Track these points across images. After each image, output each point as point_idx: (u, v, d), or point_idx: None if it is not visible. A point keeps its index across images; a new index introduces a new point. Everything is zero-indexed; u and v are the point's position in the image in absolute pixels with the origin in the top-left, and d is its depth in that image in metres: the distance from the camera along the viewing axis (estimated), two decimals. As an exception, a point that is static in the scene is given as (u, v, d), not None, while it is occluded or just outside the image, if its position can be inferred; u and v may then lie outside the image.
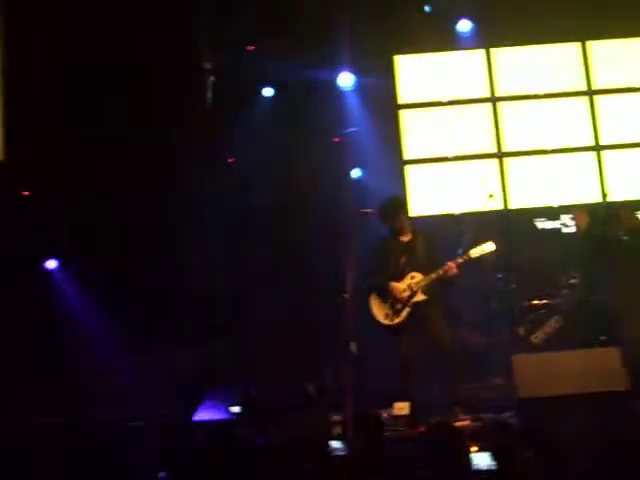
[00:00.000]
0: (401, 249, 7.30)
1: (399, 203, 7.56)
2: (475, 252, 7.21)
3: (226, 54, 9.29)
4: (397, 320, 7.14)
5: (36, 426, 6.84)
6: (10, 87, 8.80)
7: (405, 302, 7.14)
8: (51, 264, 9.29)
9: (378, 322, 7.20)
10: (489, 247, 7.28)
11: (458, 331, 8.27)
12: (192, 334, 8.38)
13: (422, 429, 6.17)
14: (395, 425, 6.69)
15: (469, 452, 3.33)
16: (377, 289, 7.23)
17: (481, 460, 3.22)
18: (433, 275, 7.13)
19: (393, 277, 7.21)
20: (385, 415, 6.78)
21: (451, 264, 7.11)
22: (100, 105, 8.95)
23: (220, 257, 8.79)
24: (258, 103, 9.50)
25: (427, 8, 9.44)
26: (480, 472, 3.13)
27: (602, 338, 7.77)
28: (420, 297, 7.14)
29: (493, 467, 3.17)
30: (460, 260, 7.16)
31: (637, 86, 9.54)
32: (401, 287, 7.16)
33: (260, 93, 9.56)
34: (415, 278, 7.17)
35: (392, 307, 7.17)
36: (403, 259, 7.23)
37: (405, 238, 7.36)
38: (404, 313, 7.14)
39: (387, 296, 7.19)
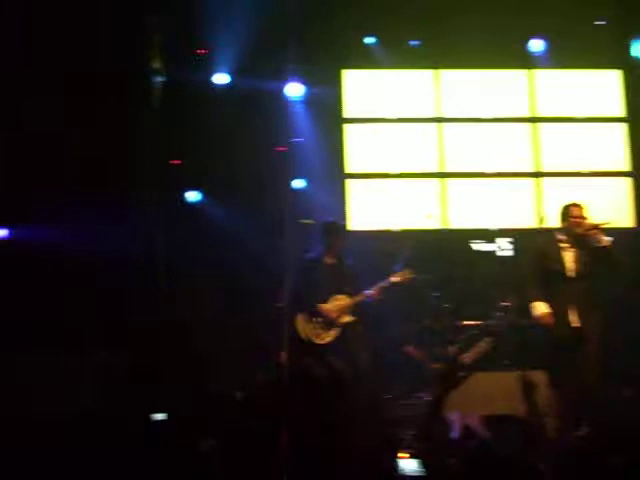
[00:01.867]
0: (327, 271, 7.59)
1: (340, 226, 7.91)
2: (395, 278, 7.62)
3: (175, 56, 9.19)
4: (327, 339, 7.45)
5: None
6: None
7: (333, 322, 7.45)
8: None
9: (302, 341, 7.40)
10: (408, 274, 7.67)
11: (403, 346, 8.44)
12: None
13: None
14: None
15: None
16: (305, 309, 7.44)
17: (407, 465, 3.27)
18: (357, 298, 7.53)
19: (320, 298, 7.49)
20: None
21: (374, 290, 7.56)
22: (34, 106, 8.73)
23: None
24: (205, 106, 9.42)
25: (370, 40, 9.49)
26: (405, 477, 3.18)
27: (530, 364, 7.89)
28: (347, 318, 7.51)
29: (420, 473, 3.21)
30: (383, 285, 7.58)
31: (578, 116, 9.74)
32: (329, 308, 7.45)
33: (209, 96, 9.47)
34: (340, 300, 7.51)
35: (322, 327, 7.44)
36: (330, 281, 7.53)
37: (330, 260, 7.64)
38: (334, 333, 7.46)
39: (315, 316, 7.45)
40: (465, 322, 8.54)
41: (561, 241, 7.23)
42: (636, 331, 8.17)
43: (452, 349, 8.29)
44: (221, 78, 9.39)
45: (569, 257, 7.16)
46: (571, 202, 7.34)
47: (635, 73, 9.71)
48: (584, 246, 7.13)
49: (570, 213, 7.23)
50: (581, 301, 7.03)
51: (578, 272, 7.11)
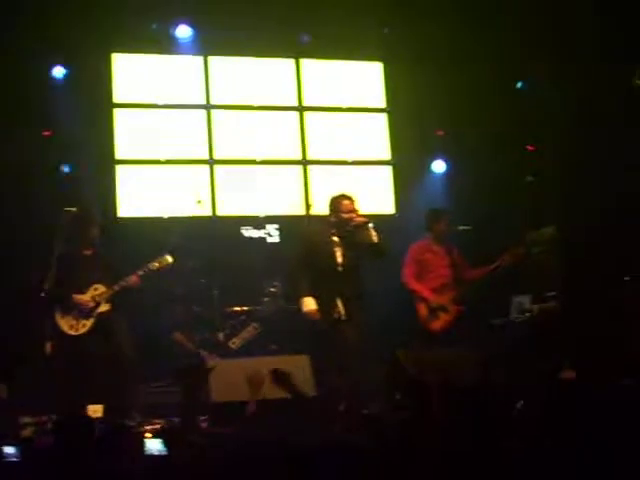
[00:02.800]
0: (84, 262, 7.42)
1: (90, 216, 7.64)
2: (154, 265, 7.43)
3: None
4: (82, 330, 7.26)
5: None
6: None
7: (89, 313, 7.27)
8: None
9: (62, 333, 7.23)
10: (167, 260, 7.49)
11: (172, 334, 8.45)
12: None
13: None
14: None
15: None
16: (59, 301, 7.28)
17: (153, 445, 3.34)
18: (116, 287, 7.33)
19: (76, 289, 7.30)
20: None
21: (133, 277, 7.33)
22: None
23: None
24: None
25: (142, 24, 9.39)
26: (152, 457, 3.26)
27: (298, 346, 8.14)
28: (104, 307, 7.33)
29: (164, 452, 3.30)
30: (141, 272, 7.37)
31: (343, 106, 10.09)
32: (85, 298, 7.28)
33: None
34: (98, 290, 7.33)
35: (76, 318, 7.27)
36: (86, 271, 7.37)
37: (88, 252, 7.49)
38: (89, 323, 7.28)
39: (70, 308, 7.26)
40: (233, 308, 8.69)
41: (332, 234, 7.27)
42: (391, 315, 8.55)
43: (220, 335, 8.44)
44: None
45: (339, 251, 7.22)
46: (341, 194, 7.36)
47: (394, 66, 10.16)
48: (353, 240, 7.21)
49: (341, 207, 7.24)
50: (348, 293, 7.15)
51: (346, 265, 7.21)
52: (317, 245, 7.28)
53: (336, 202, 7.32)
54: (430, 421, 3.74)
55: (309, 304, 7.13)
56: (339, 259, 7.22)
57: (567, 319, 7.85)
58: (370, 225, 7.16)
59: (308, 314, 7.15)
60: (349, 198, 7.30)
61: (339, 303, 7.14)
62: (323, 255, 7.21)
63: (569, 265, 8.43)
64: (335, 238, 7.26)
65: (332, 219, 7.31)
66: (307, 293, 7.15)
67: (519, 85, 10.11)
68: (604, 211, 8.60)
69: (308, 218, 9.40)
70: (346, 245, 7.24)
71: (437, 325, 7.95)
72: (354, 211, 7.24)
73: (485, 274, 8.08)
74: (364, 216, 7.24)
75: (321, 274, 7.18)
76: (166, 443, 3.34)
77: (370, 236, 7.13)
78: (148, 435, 3.34)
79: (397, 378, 6.97)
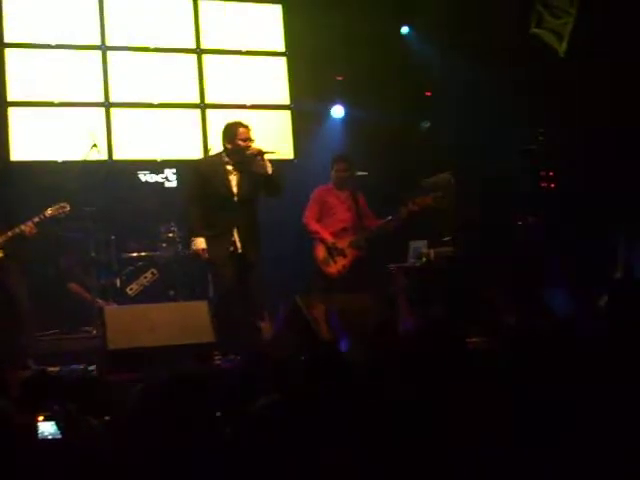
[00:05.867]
0: None
1: None
2: (49, 212, 7.29)
3: None
4: None
5: None
6: None
7: None
8: None
9: None
10: (64, 207, 7.38)
11: (68, 285, 8.33)
12: None
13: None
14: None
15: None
16: None
17: (46, 429, 3.28)
18: (9, 233, 7.15)
19: None
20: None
21: (29, 224, 7.15)
22: None
23: None
24: None
25: None
26: (45, 441, 3.20)
27: (196, 291, 8.17)
28: None
29: (58, 436, 3.25)
30: (37, 219, 7.20)
31: (242, 50, 9.98)
32: None
33: None
34: None
35: None
36: None
37: None
38: None
39: None
40: (131, 254, 8.62)
41: (226, 163, 7.13)
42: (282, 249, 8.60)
43: (117, 281, 8.37)
44: None
45: (234, 180, 7.10)
46: (237, 121, 7.23)
47: (294, 8, 10.08)
48: (248, 170, 7.10)
49: (238, 134, 7.09)
50: (244, 224, 7.08)
51: (242, 196, 7.09)
52: (209, 174, 7.14)
53: (232, 128, 7.18)
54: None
55: (198, 243, 7.05)
56: (234, 188, 7.10)
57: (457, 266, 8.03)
58: (266, 156, 7.05)
59: (196, 252, 7.10)
60: (245, 126, 7.17)
61: (235, 234, 7.06)
62: (216, 184, 7.09)
63: (463, 211, 8.60)
64: (229, 167, 7.14)
65: (227, 146, 7.17)
66: (198, 232, 7.07)
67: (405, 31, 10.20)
68: (499, 156, 8.78)
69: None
70: (241, 174, 7.13)
71: (334, 269, 8.05)
72: (250, 140, 7.12)
73: (382, 226, 8.18)
74: (260, 149, 7.10)
75: (215, 205, 7.07)
76: (60, 426, 3.28)
77: (265, 167, 7.01)
78: (40, 418, 3.26)
79: (295, 323, 7.07)
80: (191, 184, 7.41)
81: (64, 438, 3.26)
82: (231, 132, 7.17)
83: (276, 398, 3.29)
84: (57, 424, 3.26)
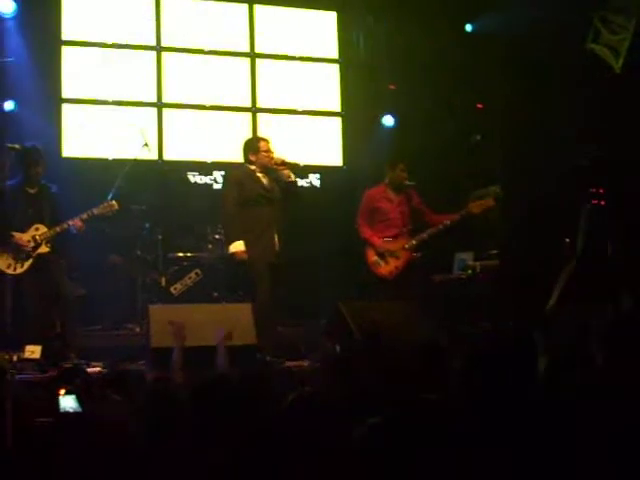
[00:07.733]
0: (28, 200, 7.32)
1: (38, 152, 7.42)
2: (98, 210, 7.38)
3: None
4: (20, 270, 7.20)
5: None
6: None
7: (28, 253, 7.20)
8: None
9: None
10: (112, 205, 7.47)
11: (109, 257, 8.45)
12: None
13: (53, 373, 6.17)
14: (24, 369, 6.61)
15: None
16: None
17: (67, 403, 3.32)
18: (57, 228, 7.24)
19: (18, 228, 7.21)
20: (15, 358, 6.69)
21: (77, 220, 7.25)
22: None
23: None
24: None
25: None
26: (67, 414, 3.23)
27: (240, 293, 8.15)
28: (44, 249, 7.25)
29: (79, 410, 3.28)
30: (85, 216, 7.30)
31: (295, 55, 10.01)
32: (25, 238, 7.19)
33: None
34: (40, 230, 7.24)
35: (15, 257, 7.19)
36: (30, 210, 7.28)
37: (32, 190, 7.36)
38: (27, 264, 7.21)
39: (9, 246, 7.17)
40: (176, 254, 8.66)
41: (254, 171, 7.51)
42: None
43: (162, 280, 8.40)
44: None
45: (265, 181, 7.51)
46: (256, 136, 7.94)
47: (348, 17, 10.09)
48: (274, 177, 7.54)
49: (260, 147, 7.53)
50: (279, 225, 7.50)
51: (274, 195, 7.49)
52: (243, 178, 7.50)
53: (254, 142, 7.72)
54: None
55: (237, 246, 7.29)
56: (268, 186, 7.49)
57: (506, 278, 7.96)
58: (288, 167, 7.51)
59: (235, 255, 7.30)
60: (266, 140, 7.67)
61: (275, 237, 7.43)
62: (251, 186, 7.43)
63: (511, 224, 8.54)
64: (259, 174, 7.52)
65: (251, 158, 7.55)
66: (236, 236, 7.32)
67: (469, 28, 10.12)
68: (548, 171, 8.69)
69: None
70: (269, 177, 7.54)
71: (385, 270, 7.96)
72: (270, 151, 7.54)
73: (451, 221, 8.04)
74: (283, 159, 7.54)
75: (252, 205, 7.38)
76: (79, 400, 3.30)
77: (288, 175, 7.50)
78: (62, 391, 3.29)
79: (337, 330, 7.04)
80: (228, 190, 7.62)
81: (84, 412, 3.28)
82: (254, 145, 7.62)
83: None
84: (77, 398, 3.28)
